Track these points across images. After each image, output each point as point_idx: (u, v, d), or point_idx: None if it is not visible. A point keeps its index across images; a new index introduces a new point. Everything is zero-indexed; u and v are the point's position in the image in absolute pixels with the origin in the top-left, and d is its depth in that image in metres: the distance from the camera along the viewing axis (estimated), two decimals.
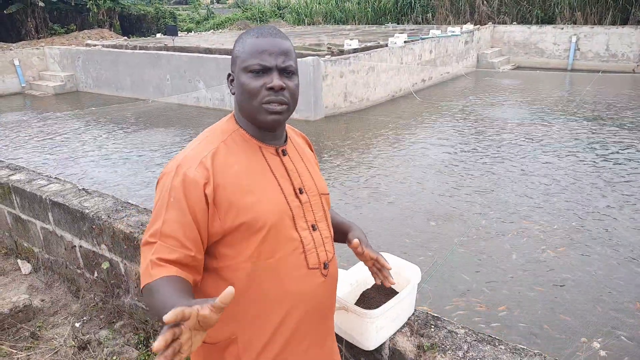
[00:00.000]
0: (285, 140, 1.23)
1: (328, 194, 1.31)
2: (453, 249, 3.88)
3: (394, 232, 4.27)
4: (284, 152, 1.20)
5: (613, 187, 4.99)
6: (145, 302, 1.05)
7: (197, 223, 1.07)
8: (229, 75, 1.19)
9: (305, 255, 1.17)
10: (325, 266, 1.22)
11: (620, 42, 12.07)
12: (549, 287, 3.36)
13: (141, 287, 1.05)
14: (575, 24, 13.43)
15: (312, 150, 1.37)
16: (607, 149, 6.16)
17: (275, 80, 1.09)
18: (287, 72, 1.12)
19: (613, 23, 13.09)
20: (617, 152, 6.03)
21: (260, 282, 1.13)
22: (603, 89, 9.88)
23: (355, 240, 1.28)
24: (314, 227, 1.20)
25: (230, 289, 0.80)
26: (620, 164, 5.65)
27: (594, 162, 5.74)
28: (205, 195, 1.06)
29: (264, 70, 1.09)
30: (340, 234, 1.38)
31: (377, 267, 1.32)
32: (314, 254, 1.19)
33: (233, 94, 1.17)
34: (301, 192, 1.19)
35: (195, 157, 1.10)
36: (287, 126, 1.28)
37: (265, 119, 1.12)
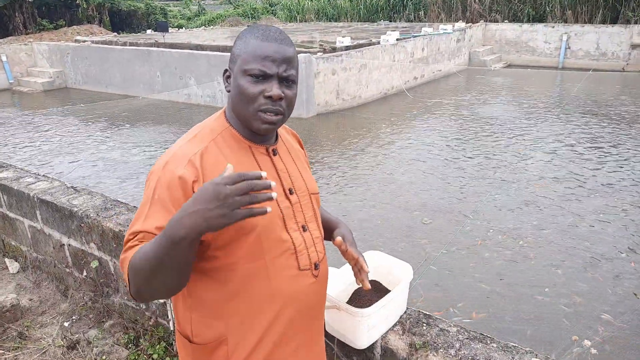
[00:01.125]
0: (276, 139, 1.21)
1: (318, 193, 1.29)
2: (444, 248, 3.89)
3: (385, 229, 4.27)
4: (275, 152, 1.18)
5: (605, 188, 5.02)
6: (141, 275, 0.98)
7: None
8: (226, 70, 1.15)
9: (296, 256, 1.16)
10: (316, 267, 1.21)
11: (610, 40, 12.18)
12: (539, 288, 3.38)
13: (126, 276, 1.01)
14: (566, 22, 13.53)
15: (302, 148, 1.36)
16: (598, 147, 6.21)
17: (275, 90, 1.06)
18: (288, 81, 1.09)
19: (603, 22, 13.20)
20: (609, 151, 6.08)
21: (251, 283, 1.11)
22: (593, 87, 9.96)
23: (338, 238, 1.26)
24: (304, 228, 1.19)
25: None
26: (613, 162, 5.69)
27: (585, 160, 5.79)
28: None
29: (264, 77, 1.06)
30: (327, 231, 1.36)
31: (357, 268, 1.30)
32: (305, 255, 1.18)
33: (228, 91, 1.14)
34: (291, 193, 1.18)
35: (184, 155, 1.07)
36: None
37: (258, 127, 1.10)
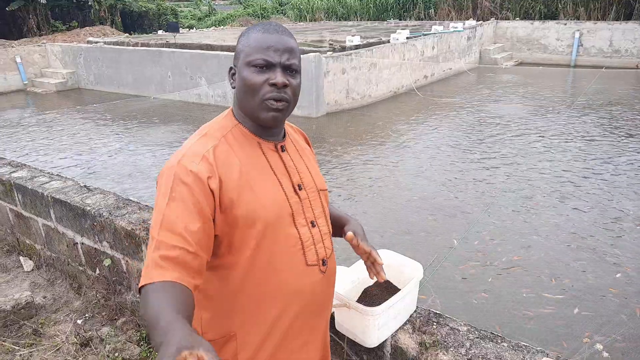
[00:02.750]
0: (284, 137, 1.22)
1: (326, 190, 1.30)
2: (454, 248, 3.87)
3: (395, 228, 4.26)
4: (283, 148, 1.19)
5: (620, 189, 4.95)
6: (141, 304, 0.99)
7: (202, 218, 1.03)
8: (231, 68, 1.17)
9: (304, 251, 1.16)
10: (324, 263, 1.21)
11: (623, 37, 12.00)
12: (549, 288, 3.35)
13: (139, 286, 1.01)
14: (579, 19, 13.36)
15: (309, 146, 1.36)
16: (612, 146, 6.13)
17: (279, 77, 1.07)
18: (291, 70, 1.10)
19: (616, 18, 13.01)
20: (622, 150, 6.00)
21: (259, 278, 1.12)
22: (607, 85, 9.82)
23: (349, 233, 1.26)
24: (313, 224, 1.19)
25: None
26: (626, 162, 5.62)
27: (598, 159, 5.71)
28: (211, 190, 1.04)
29: (268, 66, 1.08)
30: (338, 227, 1.36)
31: (370, 262, 1.30)
32: (312, 251, 1.18)
33: (233, 88, 1.16)
34: (300, 189, 1.18)
35: (197, 151, 1.08)
36: (285, 122, 1.27)
37: (265, 116, 1.10)
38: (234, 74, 1.16)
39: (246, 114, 1.14)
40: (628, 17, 13.01)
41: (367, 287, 1.65)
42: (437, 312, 1.68)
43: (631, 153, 5.81)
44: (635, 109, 7.86)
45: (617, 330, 2.79)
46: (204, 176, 1.04)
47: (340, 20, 18.33)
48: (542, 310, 3.09)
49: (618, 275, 3.42)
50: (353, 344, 1.65)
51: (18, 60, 11.78)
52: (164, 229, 1.01)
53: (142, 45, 11.23)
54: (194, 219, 1.02)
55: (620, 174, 5.21)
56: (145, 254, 2.41)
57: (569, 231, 4.05)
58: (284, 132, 1.23)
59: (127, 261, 2.57)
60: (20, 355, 2.46)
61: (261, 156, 1.15)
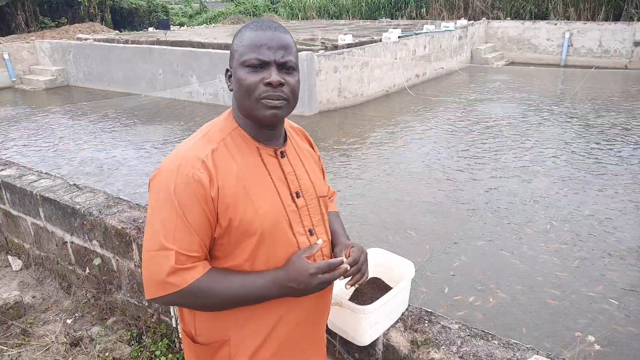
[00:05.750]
0: (285, 140, 1.19)
1: (326, 196, 1.27)
2: (445, 246, 3.89)
3: (388, 226, 4.27)
4: (283, 154, 1.16)
5: (608, 187, 5.01)
6: (195, 298, 1.06)
7: (208, 225, 1.05)
8: (227, 70, 1.14)
9: None
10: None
11: (613, 38, 12.13)
12: (541, 285, 3.38)
13: (170, 292, 1.03)
14: (569, 19, 13.48)
15: (312, 147, 1.33)
16: (601, 145, 6.19)
17: (274, 76, 1.04)
18: (287, 68, 1.07)
19: (606, 19, 13.14)
20: (611, 149, 6.07)
21: None
22: (596, 85, 9.93)
23: (344, 266, 1.15)
24: (311, 232, 1.17)
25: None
26: (617, 160, 5.68)
27: (589, 158, 5.77)
28: (212, 197, 1.04)
29: (262, 65, 1.05)
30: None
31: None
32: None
33: (231, 90, 1.13)
34: (298, 196, 1.16)
35: (196, 156, 1.06)
36: (286, 122, 1.24)
37: (263, 115, 1.07)
38: (230, 76, 1.13)
39: (245, 115, 1.11)
40: (617, 18, 13.16)
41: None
42: (429, 310, 1.68)
43: (621, 147, 5.88)
44: (624, 108, 7.94)
45: (610, 323, 2.83)
46: (206, 183, 1.03)
47: (332, 18, 18.33)
48: (537, 305, 3.12)
49: (607, 270, 3.46)
50: (345, 343, 1.65)
51: (6, 57, 11.63)
52: (179, 240, 1.03)
53: (133, 42, 11.14)
54: (201, 228, 1.04)
55: (611, 171, 5.27)
56: (140, 253, 2.39)
57: (563, 229, 4.08)
58: (285, 136, 1.20)
59: (117, 260, 2.55)
60: (9, 355, 2.43)
61: (259, 163, 1.12)
